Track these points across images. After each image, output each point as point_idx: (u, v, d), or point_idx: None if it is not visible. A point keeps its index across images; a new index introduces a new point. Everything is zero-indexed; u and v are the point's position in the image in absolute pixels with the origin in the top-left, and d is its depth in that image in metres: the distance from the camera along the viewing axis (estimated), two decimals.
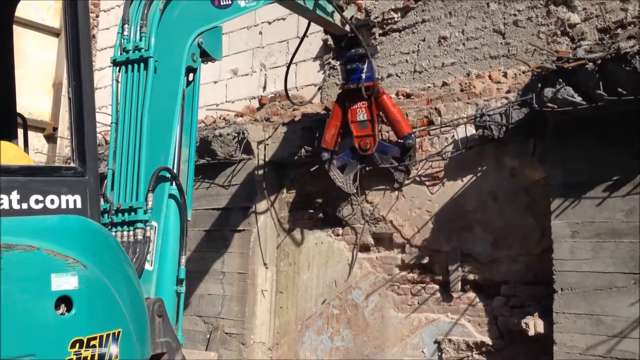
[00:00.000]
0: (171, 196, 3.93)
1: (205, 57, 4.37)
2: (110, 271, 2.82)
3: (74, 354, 2.57)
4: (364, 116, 6.11)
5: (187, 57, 4.11)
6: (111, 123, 3.93)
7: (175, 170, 3.96)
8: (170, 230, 3.91)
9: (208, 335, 7.10)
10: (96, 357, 2.65)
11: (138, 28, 3.95)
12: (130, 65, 3.94)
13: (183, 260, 3.96)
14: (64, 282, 2.59)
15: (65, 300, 2.60)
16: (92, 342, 2.64)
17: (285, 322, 6.97)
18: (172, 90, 4.03)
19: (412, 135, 6.01)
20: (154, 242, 3.78)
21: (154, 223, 3.80)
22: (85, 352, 2.61)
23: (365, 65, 6.06)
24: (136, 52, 3.93)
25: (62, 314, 2.58)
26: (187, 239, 4.02)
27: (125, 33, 3.98)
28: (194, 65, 4.19)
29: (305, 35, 6.39)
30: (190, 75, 4.21)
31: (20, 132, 4.19)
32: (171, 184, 3.93)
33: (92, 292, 2.69)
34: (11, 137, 3.93)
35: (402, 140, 6.05)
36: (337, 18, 5.85)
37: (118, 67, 4.00)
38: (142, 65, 3.91)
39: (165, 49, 4.00)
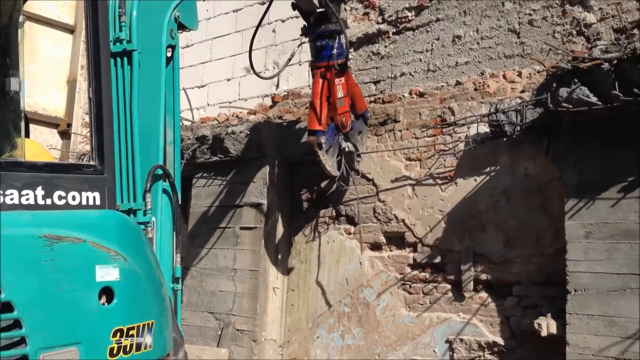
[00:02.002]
0: (164, 191, 3.89)
1: (182, 28, 4.20)
2: (143, 264, 2.92)
3: (115, 343, 2.67)
4: (341, 93, 6.00)
5: (166, 36, 3.95)
6: None
7: (162, 155, 3.88)
8: (165, 227, 3.90)
9: (219, 332, 7.13)
10: (134, 346, 2.76)
11: (116, 16, 3.74)
12: (112, 58, 3.70)
13: (178, 259, 3.94)
14: (107, 274, 2.69)
15: (107, 291, 2.68)
16: (130, 332, 2.75)
17: (297, 319, 6.99)
18: (156, 75, 3.89)
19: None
20: (154, 237, 3.78)
21: (153, 218, 3.78)
22: (125, 341, 2.71)
23: (336, 42, 5.90)
24: (118, 44, 3.73)
25: (104, 304, 2.66)
26: (180, 237, 3.98)
27: None
28: (173, 42, 4.03)
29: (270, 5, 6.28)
30: (169, 52, 4.03)
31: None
32: (164, 181, 3.88)
33: (130, 284, 2.80)
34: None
35: (364, 114, 6.35)
36: None
37: None
38: (125, 58, 3.74)
39: (146, 34, 3.83)
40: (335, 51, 5.86)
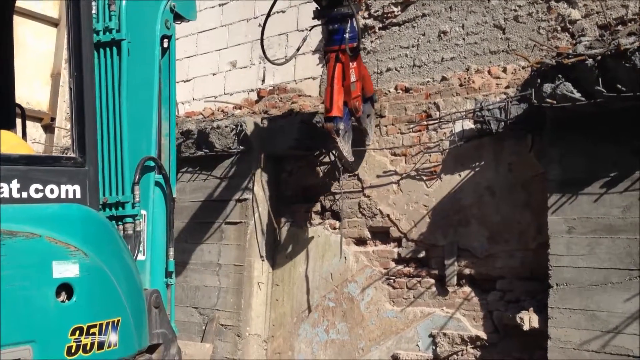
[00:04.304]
0: (157, 184, 3.81)
1: (179, 19, 4.10)
2: (110, 260, 2.83)
3: (74, 341, 2.59)
4: (354, 77, 5.87)
5: (160, 26, 3.86)
6: None
7: (156, 148, 3.80)
8: (157, 220, 3.82)
9: (203, 327, 7.12)
10: (96, 345, 2.67)
11: (106, 5, 3.67)
12: (102, 48, 3.67)
13: (171, 253, 3.87)
14: (65, 270, 2.61)
15: (66, 288, 2.61)
16: (92, 330, 2.66)
17: (281, 314, 6.98)
18: (149, 66, 3.80)
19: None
20: (144, 230, 3.70)
21: (143, 211, 3.70)
22: (85, 340, 2.63)
23: (348, 26, 5.74)
24: (107, 33, 3.66)
25: (62, 301, 2.60)
26: (173, 230, 3.91)
27: (93, 11, 3.64)
28: (168, 33, 3.93)
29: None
30: (165, 42, 3.94)
31: (18, 122, 4.17)
32: (157, 173, 3.80)
33: (92, 280, 2.71)
34: (9, 127, 3.90)
35: (372, 97, 6.28)
36: None
37: None
38: (114, 48, 3.65)
39: (137, 22, 3.74)
40: (347, 35, 5.72)
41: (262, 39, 6.15)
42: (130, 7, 3.70)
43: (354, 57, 5.81)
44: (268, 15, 6.16)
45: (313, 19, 6.12)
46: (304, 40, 6.40)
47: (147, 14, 3.82)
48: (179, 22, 4.13)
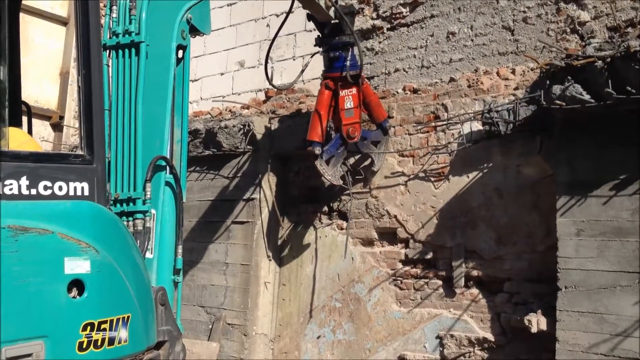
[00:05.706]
0: (167, 184, 3.91)
1: (194, 32, 4.28)
2: (120, 257, 2.86)
3: (85, 337, 2.62)
4: (351, 104, 5.99)
5: (177, 35, 4.03)
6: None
7: (168, 152, 3.92)
8: (166, 219, 3.91)
9: (210, 326, 7.12)
10: (106, 341, 2.70)
11: (127, 10, 3.85)
12: (120, 50, 3.86)
13: (180, 250, 3.96)
14: (77, 266, 2.64)
15: (77, 284, 2.64)
16: (102, 326, 2.69)
17: (288, 314, 6.98)
18: (164, 71, 3.96)
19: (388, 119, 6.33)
20: (153, 229, 3.78)
21: (153, 211, 3.80)
22: (96, 335, 2.66)
23: (349, 54, 5.92)
24: (126, 36, 3.84)
25: (74, 297, 2.63)
26: (182, 228, 4.00)
27: (114, 15, 3.90)
28: (184, 43, 4.11)
29: (290, 10, 6.06)
30: (180, 53, 4.11)
31: (24, 120, 4.21)
32: (167, 173, 3.91)
33: (103, 277, 2.74)
34: (16, 124, 3.94)
35: (382, 124, 6.26)
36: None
37: (108, 52, 3.91)
38: (133, 50, 3.83)
39: (155, 29, 3.91)
40: (348, 63, 5.89)
41: (266, 63, 6.32)
42: (150, 12, 3.86)
43: (355, 84, 5.94)
44: (273, 40, 6.31)
45: (315, 46, 6.28)
46: (306, 65, 6.60)
47: (165, 20, 3.99)
48: (194, 36, 4.29)
